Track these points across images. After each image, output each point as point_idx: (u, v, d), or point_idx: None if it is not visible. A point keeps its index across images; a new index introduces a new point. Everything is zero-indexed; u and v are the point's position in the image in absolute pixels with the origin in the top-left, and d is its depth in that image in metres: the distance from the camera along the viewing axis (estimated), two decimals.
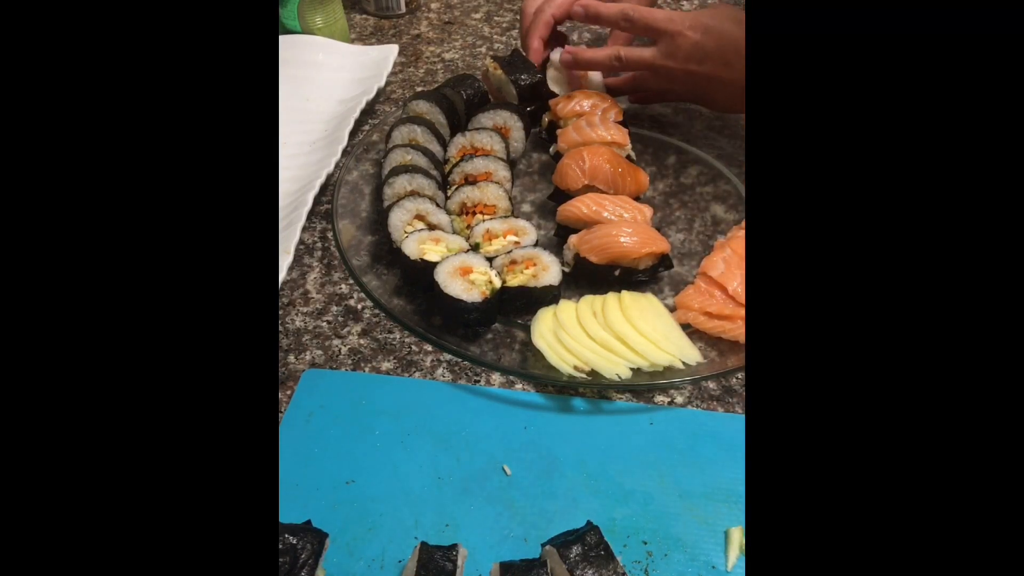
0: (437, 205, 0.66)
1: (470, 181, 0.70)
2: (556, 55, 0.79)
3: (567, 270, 0.64)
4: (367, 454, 0.53)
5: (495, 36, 1.04)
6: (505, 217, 0.67)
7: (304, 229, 0.71)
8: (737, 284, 0.60)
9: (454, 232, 0.66)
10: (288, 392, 0.58)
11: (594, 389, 0.57)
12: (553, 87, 0.83)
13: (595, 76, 0.82)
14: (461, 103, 0.79)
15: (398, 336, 0.62)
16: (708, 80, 0.71)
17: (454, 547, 0.42)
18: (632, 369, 0.56)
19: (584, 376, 0.55)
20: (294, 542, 0.41)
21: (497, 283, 0.59)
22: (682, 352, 0.57)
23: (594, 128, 0.73)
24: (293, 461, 0.52)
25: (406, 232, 0.64)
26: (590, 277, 0.64)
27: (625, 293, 0.60)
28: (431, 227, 0.65)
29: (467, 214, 0.69)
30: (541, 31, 0.76)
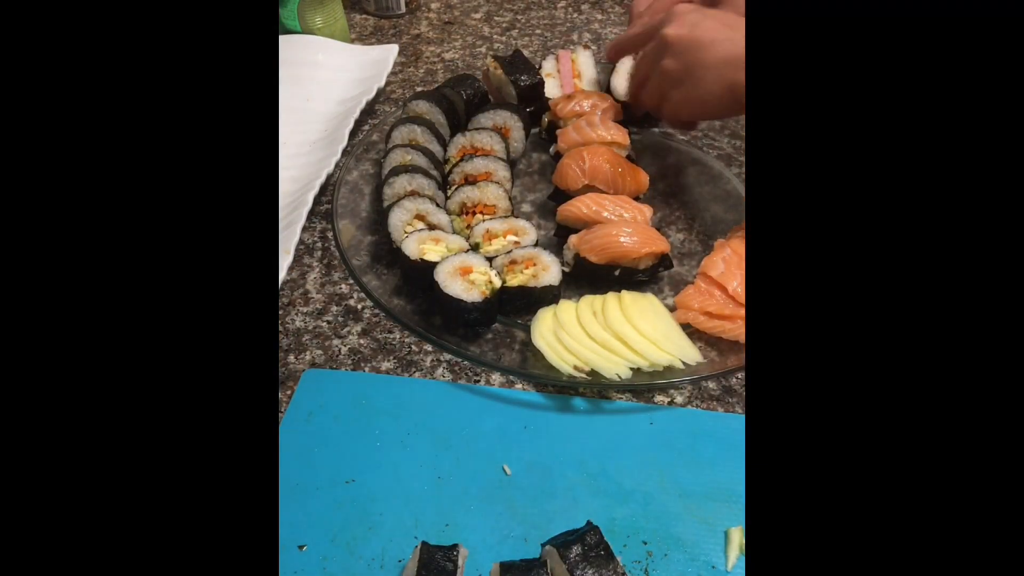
0: (437, 205, 0.66)
1: (470, 181, 0.70)
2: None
3: (567, 270, 0.64)
4: (367, 454, 0.53)
5: (495, 36, 1.04)
6: (505, 217, 0.67)
7: (304, 229, 0.71)
8: (737, 284, 0.60)
9: (454, 232, 0.66)
10: (288, 392, 0.58)
11: (594, 389, 0.57)
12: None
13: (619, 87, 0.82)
14: (461, 103, 0.79)
15: (398, 336, 0.63)
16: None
17: (455, 547, 0.42)
18: (632, 369, 0.56)
19: (584, 376, 0.55)
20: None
21: (497, 283, 0.59)
22: (682, 352, 0.57)
23: (594, 128, 0.73)
24: (293, 461, 0.52)
25: (406, 232, 0.64)
26: (590, 277, 0.64)
27: (625, 293, 0.60)
28: (431, 227, 0.65)
29: (467, 214, 0.69)
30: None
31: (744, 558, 0.47)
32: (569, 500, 0.50)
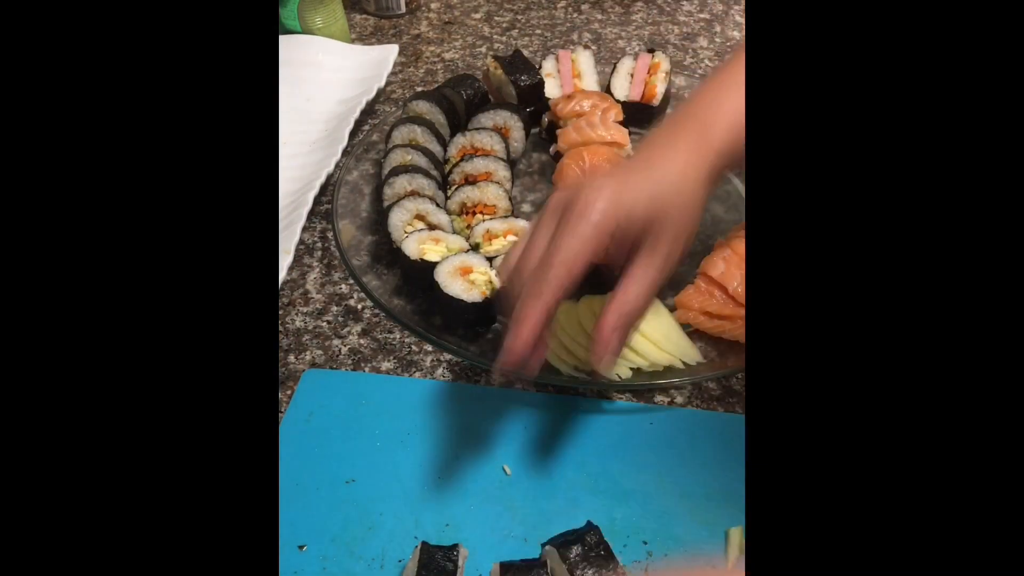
0: (437, 205, 0.66)
1: (470, 181, 0.70)
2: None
3: None
4: (367, 454, 0.53)
5: (495, 36, 1.04)
6: (505, 217, 0.67)
7: (304, 229, 0.71)
8: (737, 284, 0.60)
9: (454, 232, 0.66)
10: (288, 392, 0.58)
11: (594, 389, 0.57)
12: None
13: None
14: (461, 103, 0.79)
15: (398, 336, 0.62)
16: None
17: (455, 547, 0.42)
18: (632, 369, 0.56)
19: (584, 376, 0.55)
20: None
21: (497, 283, 0.60)
22: (682, 352, 0.57)
23: (594, 128, 0.73)
24: (293, 461, 0.52)
25: (406, 232, 0.64)
26: (590, 277, 0.64)
27: None
28: (431, 227, 0.65)
29: (467, 214, 0.69)
30: (540, 319, 0.42)
31: (744, 558, 0.47)
32: (569, 500, 0.50)
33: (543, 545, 0.43)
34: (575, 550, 0.41)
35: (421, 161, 0.71)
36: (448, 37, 1.04)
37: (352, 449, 0.53)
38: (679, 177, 0.45)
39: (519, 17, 1.09)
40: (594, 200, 0.42)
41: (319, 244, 0.71)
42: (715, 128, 0.47)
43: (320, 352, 0.61)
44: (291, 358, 0.60)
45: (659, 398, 0.57)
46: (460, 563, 0.42)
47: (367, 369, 0.60)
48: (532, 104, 0.80)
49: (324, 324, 0.63)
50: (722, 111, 0.47)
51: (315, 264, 0.69)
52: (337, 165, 0.77)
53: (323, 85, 0.90)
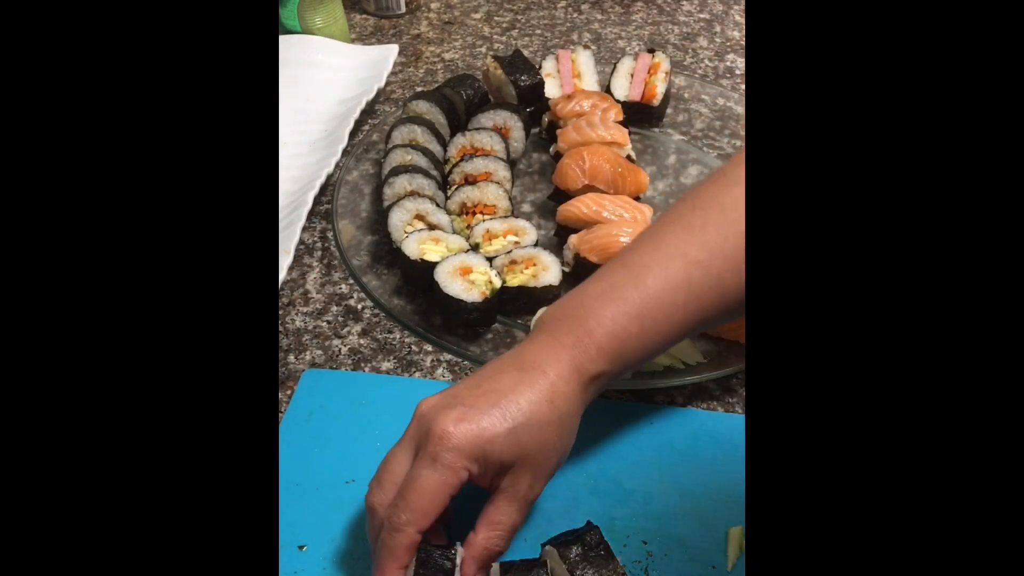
0: (437, 205, 0.66)
1: (470, 181, 0.70)
2: None
3: (567, 270, 0.64)
4: (367, 454, 0.53)
5: (495, 36, 1.04)
6: (505, 217, 0.67)
7: (304, 229, 0.71)
8: None
9: (454, 232, 0.66)
10: (288, 392, 0.58)
11: None
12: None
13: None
14: (461, 103, 0.79)
15: (398, 336, 0.63)
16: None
17: (453, 545, 0.42)
18: None
19: None
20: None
21: (497, 283, 0.59)
22: (682, 352, 0.57)
23: (594, 128, 0.73)
24: (293, 461, 0.52)
25: (406, 232, 0.64)
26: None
27: None
28: (431, 227, 0.65)
29: (467, 214, 0.69)
30: (402, 559, 0.41)
31: (744, 558, 0.47)
32: (569, 500, 0.50)
33: (543, 545, 0.43)
34: (575, 550, 0.41)
35: (421, 161, 0.71)
36: (448, 37, 1.04)
37: (352, 449, 0.53)
38: (546, 407, 0.42)
39: (519, 17, 1.09)
40: (447, 439, 0.40)
41: (319, 244, 0.71)
42: (595, 335, 0.44)
43: (320, 352, 0.61)
44: (291, 358, 0.60)
45: (659, 398, 0.57)
46: (458, 562, 0.42)
47: (367, 369, 0.60)
48: (532, 104, 0.80)
49: (324, 324, 0.63)
50: (605, 317, 0.44)
51: (315, 264, 0.69)
52: (337, 165, 0.77)
53: (323, 85, 0.90)
